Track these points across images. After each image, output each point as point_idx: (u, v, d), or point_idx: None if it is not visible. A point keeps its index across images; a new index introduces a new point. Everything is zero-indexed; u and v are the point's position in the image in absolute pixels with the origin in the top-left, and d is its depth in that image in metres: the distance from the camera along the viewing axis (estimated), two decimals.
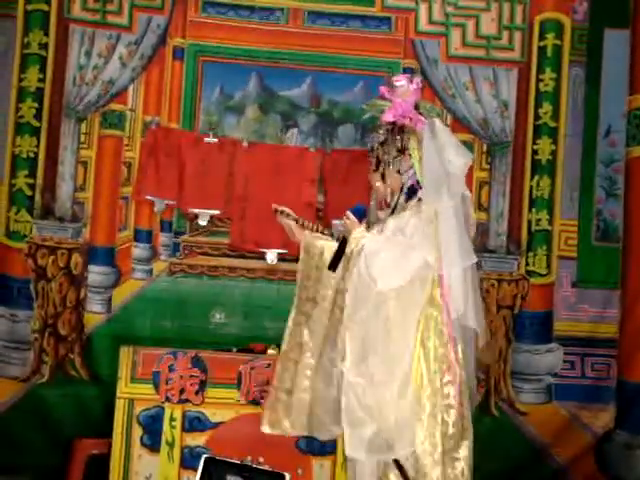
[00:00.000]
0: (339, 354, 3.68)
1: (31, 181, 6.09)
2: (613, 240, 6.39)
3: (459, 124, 6.35)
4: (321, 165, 6.34)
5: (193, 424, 5.41)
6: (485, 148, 6.44)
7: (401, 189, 3.78)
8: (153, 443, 5.35)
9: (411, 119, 3.78)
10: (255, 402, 5.47)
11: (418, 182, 3.74)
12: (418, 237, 3.62)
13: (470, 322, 3.66)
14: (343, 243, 3.69)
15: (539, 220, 6.40)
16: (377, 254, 3.61)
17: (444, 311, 3.63)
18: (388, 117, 3.80)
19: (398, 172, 3.77)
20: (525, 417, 6.26)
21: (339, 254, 3.70)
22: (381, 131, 3.83)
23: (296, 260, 5.74)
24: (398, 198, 3.77)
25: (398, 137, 3.77)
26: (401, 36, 6.49)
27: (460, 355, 3.66)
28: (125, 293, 6.27)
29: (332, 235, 3.89)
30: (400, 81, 3.80)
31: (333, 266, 3.71)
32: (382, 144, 3.80)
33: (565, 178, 6.43)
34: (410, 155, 3.76)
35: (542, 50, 6.47)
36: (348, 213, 3.74)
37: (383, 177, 3.79)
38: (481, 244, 6.22)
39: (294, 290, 6.15)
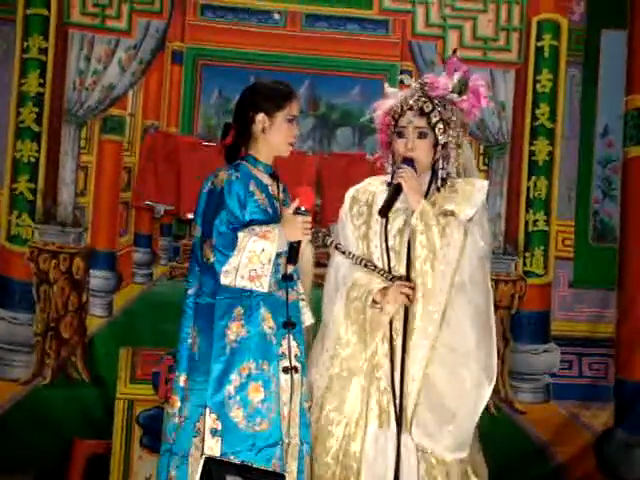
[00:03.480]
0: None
1: (32, 186, 6.14)
2: (610, 240, 6.42)
3: None
4: (319, 168, 6.38)
5: None
6: (482, 149, 6.46)
7: (437, 168, 3.50)
8: (153, 444, 5.36)
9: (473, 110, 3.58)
10: None
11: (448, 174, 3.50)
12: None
13: None
14: (397, 191, 3.45)
15: (536, 221, 6.43)
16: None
17: None
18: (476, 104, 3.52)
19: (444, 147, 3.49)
20: (524, 416, 6.28)
21: (393, 201, 3.45)
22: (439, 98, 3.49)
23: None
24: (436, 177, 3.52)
25: (458, 119, 3.52)
26: (398, 39, 6.52)
27: None
28: (126, 297, 6.31)
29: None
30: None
31: (384, 213, 3.45)
32: (436, 109, 3.48)
33: (562, 179, 6.46)
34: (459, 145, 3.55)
35: (539, 51, 6.50)
36: (405, 166, 3.43)
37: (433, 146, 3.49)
38: None
39: None
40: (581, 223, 6.44)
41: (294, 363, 3.58)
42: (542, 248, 6.42)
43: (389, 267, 3.48)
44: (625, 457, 6.13)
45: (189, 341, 3.63)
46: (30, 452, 5.77)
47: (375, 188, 3.63)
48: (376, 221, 3.55)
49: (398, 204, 3.48)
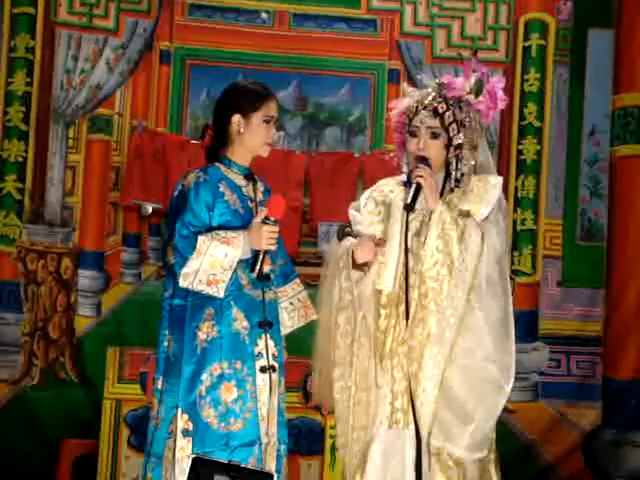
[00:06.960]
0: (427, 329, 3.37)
1: (20, 185, 6.12)
2: (598, 239, 6.43)
3: None
4: (307, 168, 6.39)
5: None
6: None
7: (451, 169, 3.46)
8: (140, 444, 5.35)
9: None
10: None
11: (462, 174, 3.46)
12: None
13: None
14: (418, 189, 3.38)
15: (524, 220, 6.44)
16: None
17: None
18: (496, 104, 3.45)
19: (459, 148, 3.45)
20: (512, 415, 6.27)
21: (417, 196, 3.38)
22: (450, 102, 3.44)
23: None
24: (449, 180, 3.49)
25: (474, 120, 3.46)
26: (386, 38, 6.53)
27: None
28: (115, 297, 6.31)
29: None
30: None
31: (411, 207, 3.38)
32: (450, 109, 3.43)
33: (550, 178, 6.47)
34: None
35: (527, 50, 6.51)
36: (423, 165, 3.39)
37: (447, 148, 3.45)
38: None
39: None
40: (569, 222, 6.45)
41: (271, 362, 3.58)
42: (530, 247, 6.43)
43: (407, 267, 3.46)
44: (613, 456, 6.14)
45: (165, 344, 3.64)
46: (17, 452, 5.76)
47: (391, 189, 3.59)
48: (396, 221, 3.52)
49: (416, 205, 3.46)
